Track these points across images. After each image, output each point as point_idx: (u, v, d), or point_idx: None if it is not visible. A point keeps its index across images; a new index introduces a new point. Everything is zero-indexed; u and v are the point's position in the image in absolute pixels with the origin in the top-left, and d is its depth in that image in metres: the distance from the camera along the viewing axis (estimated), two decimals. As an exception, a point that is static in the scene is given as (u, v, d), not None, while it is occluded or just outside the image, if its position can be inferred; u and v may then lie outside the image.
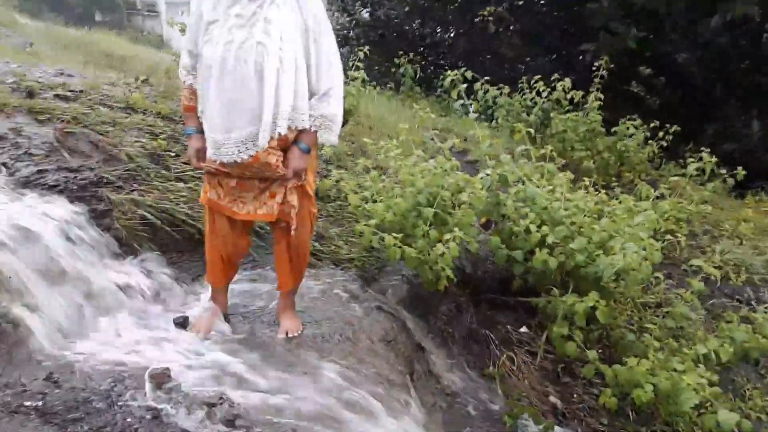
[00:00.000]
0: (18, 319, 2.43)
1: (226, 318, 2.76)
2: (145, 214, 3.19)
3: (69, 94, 4.16)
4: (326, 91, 2.28)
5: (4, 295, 2.47)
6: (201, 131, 2.40)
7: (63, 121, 3.60)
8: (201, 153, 2.42)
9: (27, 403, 2.08)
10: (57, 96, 4.07)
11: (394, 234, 2.94)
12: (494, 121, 6.37)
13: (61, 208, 2.94)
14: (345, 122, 5.38)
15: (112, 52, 11.00)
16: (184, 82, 2.40)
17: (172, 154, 3.72)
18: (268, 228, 3.21)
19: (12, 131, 3.38)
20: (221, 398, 2.24)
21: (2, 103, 3.63)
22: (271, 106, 2.16)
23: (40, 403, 2.09)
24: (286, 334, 2.65)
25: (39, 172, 3.14)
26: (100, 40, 12.81)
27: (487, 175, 3.38)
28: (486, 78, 5.66)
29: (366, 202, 3.36)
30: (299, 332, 2.68)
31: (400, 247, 2.92)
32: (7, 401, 2.07)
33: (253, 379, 2.42)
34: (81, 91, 4.26)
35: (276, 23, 2.14)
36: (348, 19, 12.11)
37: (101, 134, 3.62)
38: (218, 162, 2.31)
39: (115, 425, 2.07)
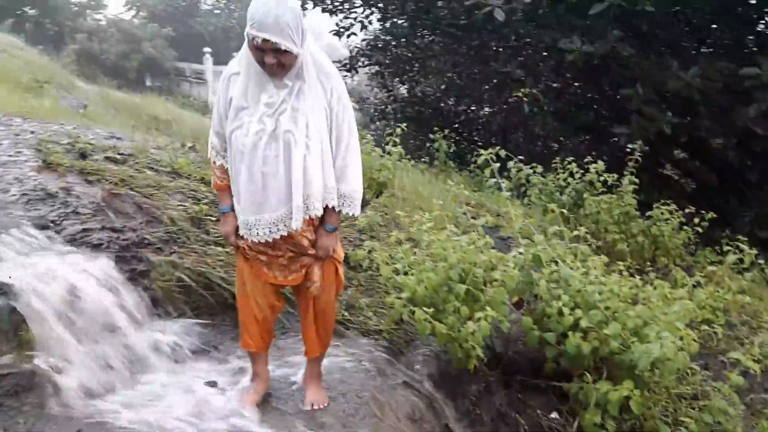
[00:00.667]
0: (51, 374, 2.48)
1: (268, 395, 2.72)
2: (182, 276, 3.26)
3: (118, 156, 4.35)
4: (343, 170, 2.35)
5: (41, 350, 2.53)
6: (233, 208, 2.46)
7: (111, 182, 3.76)
8: (237, 230, 2.47)
9: (55, 462, 2.09)
10: (107, 158, 4.26)
11: (424, 308, 2.93)
12: (526, 199, 6.40)
13: (102, 267, 3.03)
14: (379, 194, 5.49)
15: (159, 116, 11.52)
16: (214, 162, 2.49)
17: (213, 219, 3.82)
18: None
19: (62, 190, 3.53)
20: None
21: (56, 163, 3.82)
22: (300, 189, 2.23)
23: (67, 462, 2.10)
24: (312, 406, 2.62)
25: (84, 230, 3.26)
26: (149, 104, 13.46)
27: (520, 253, 3.38)
28: (519, 157, 5.74)
29: (397, 274, 3.38)
30: (325, 405, 2.65)
31: (430, 322, 2.91)
32: (35, 458, 2.08)
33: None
34: (130, 155, 4.45)
35: (302, 111, 2.22)
36: (386, 94, 12.51)
37: (146, 197, 3.75)
38: (250, 241, 2.38)
39: (139, 490, 2.06)
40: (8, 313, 2.51)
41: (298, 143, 2.21)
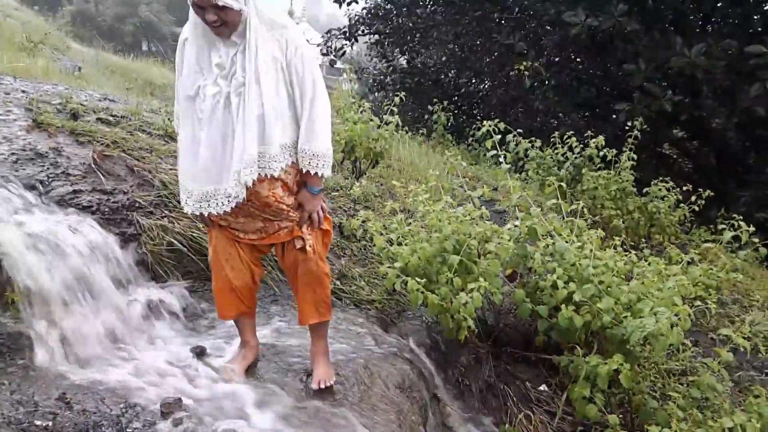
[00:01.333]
0: (37, 336, 2.46)
1: (256, 362, 2.71)
2: (173, 240, 3.22)
3: (111, 118, 4.27)
4: (310, 127, 2.25)
5: (26, 311, 2.50)
6: None
7: (102, 144, 3.69)
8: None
9: (38, 422, 2.07)
10: (99, 119, 4.18)
11: (417, 279, 2.91)
12: (524, 174, 6.36)
13: (91, 229, 2.99)
14: (375, 164, 5.44)
15: (154, 81, 11.37)
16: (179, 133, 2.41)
17: (204, 184, 3.77)
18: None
19: (52, 150, 3.47)
20: (231, 433, 2.22)
21: (47, 123, 3.74)
22: (255, 143, 2.17)
23: (50, 423, 2.08)
24: (319, 384, 2.56)
25: (74, 192, 3.20)
26: (144, 68, 13.28)
27: (516, 226, 3.34)
28: (518, 130, 5.68)
29: (391, 245, 3.35)
30: (332, 381, 2.59)
31: (422, 292, 2.89)
32: (18, 418, 2.07)
33: (264, 416, 2.39)
34: (122, 117, 4.37)
35: (254, 68, 2.14)
36: (386, 65, 12.36)
37: (138, 159, 3.69)
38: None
39: (123, 452, 2.05)
40: (-6, 272, 2.48)
41: (252, 100, 2.14)
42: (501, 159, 4.60)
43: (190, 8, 2.11)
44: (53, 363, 2.42)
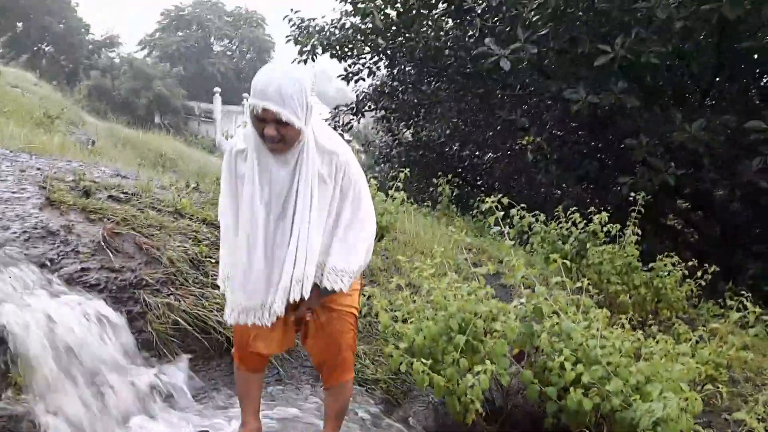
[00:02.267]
0: (42, 417, 2.43)
1: None
2: (178, 319, 3.23)
3: (122, 195, 4.36)
4: (354, 250, 2.26)
5: (30, 392, 2.48)
6: None
7: (112, 221, 3.76)
8: None
9: None
10: (110, 197, 4.27)
11: (422, 360, 2.88)
12: (529, 246, 6.37)
13: (98, 308, 3.00)
14: (381, 238, 5.48)
15: (166, 153, 11.64)
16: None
17: (212, 261, 3.80)
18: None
19: (63, 228, 3.53)
20: None
21: (60, 201, 3.83)
22: (302, 265, 2.15)
23: None
24: None
25: (82, 270, 3.24)
26: (157, 141, 13.62)
27: (522, 304, 3.34)
28: (522, 205, 5.74)
29: (396, 322, 3.34)
30: None
31: (428, 374, 2.86)
32: (16, 508, 2.02)
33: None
34: (133, 194, 4.46)
35: (306, 192, 2.13)
36: (391, 138, 12.64)
37: (147, 237, 3.74)
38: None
39: None
40: (0, 353, 2.48)
41: (301, 220, 2.13)
42: (505, 234, 4.64)
43: (248, 121, 2.08)
44: (54, 447, 2.39)
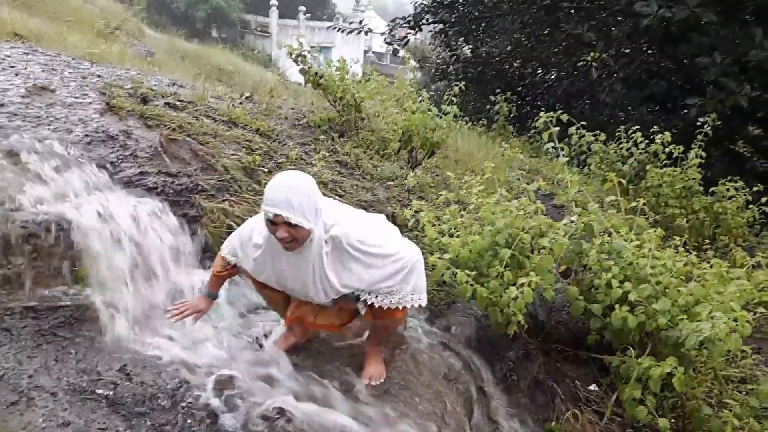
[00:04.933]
0: (103, 309, 2.60)
1: (306, 344, 2.82)
2: (232, 223, 3.33)
3: (178, 103, 4.44)
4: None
5: (94, 285, 2.65)
6: (214, 297, 2.71)
7: (169, 128, 3.84)
8: (200, 314, 2.66)
9: (99, 391, 2.20)
10: (167, 104, 4.36)
11: (467, 271, 2.90)
12: (586, 168, 6.20)
13: (156, 209, 3.13)
14: (432, 154, 5.43)
15: (222, 67, 11.68)
16: (224, 258, 2.62)
17: (265, 170, 3.87)
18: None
19: (122, 133, 3.64)
20: (279, 413, 2.29)
21: (119, 107, 3.93)
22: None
23: (111, 393, 2.21)
24: (369, 380, 2.63)
25: (141, 173, 3.36)
26: (213, 54, 13.65)
27: (572, 222, 3.28)
28: (582, 123, 5.53)
29: (443, 236, 3.35)
30: (382, 379, 2.65)
31: (472, 285, 2.88)
32: (82, 386, 2.21)
33: (311, 398, 2.46)
34: (189, 102, 4.53)
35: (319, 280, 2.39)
36: (449, 54, 12.24)
37: (202, 144, 3.83)
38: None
39: (176, 424, 2.16)
40: (65, 248, 2.64)
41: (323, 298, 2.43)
42: (560, 152, 4.51)
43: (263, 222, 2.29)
44: (116, 335, 2.56)
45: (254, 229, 2.48)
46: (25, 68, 4.48)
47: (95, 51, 6.21)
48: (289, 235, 2.20)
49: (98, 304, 2.59)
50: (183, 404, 2.26)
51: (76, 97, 4.05)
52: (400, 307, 2.44)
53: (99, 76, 4.79)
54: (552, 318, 3.44)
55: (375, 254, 2.36)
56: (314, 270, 2.34)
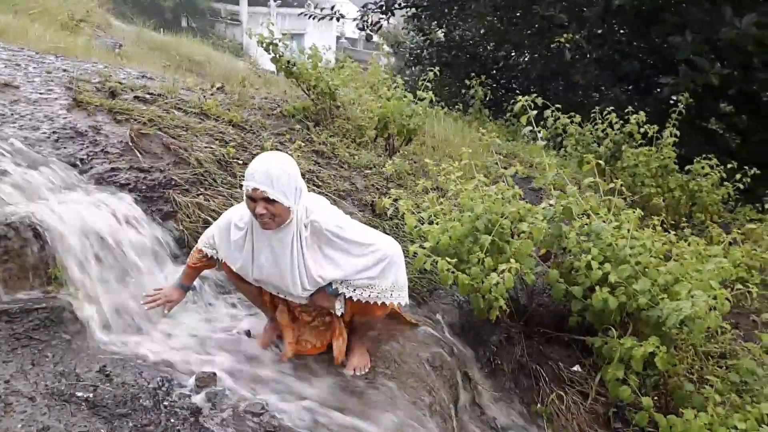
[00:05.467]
0: (79, 310, 2.54)
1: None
2: (208, 218, 3.27)
3: (148, 96, 4.34)
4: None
5: (68, 285, 2.58)
6: (186, 289, 2.69)
7: (139, 122, 3.75)
8: (172, 303, 2.64)
9: (79, 394, 2.15)
10: (137, 98, 4.26)
11: (447, 258, 2.90)
12: (563, 150, 6.22)
13: (128, 206, 3.06)
14: (409, 141, 5.40)
15: (193, 57, 11.48)
16: (200, 250, 2.61)
17: (240, 162, 3.81)
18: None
19: (91, 129, 3.54)
20: (263, 408, 2.26)
21: (86, 102, 3.83)
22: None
23: (91, 395, 2.16)
24: (354, 371, 2.61)
25: (112, 170, 3.28)
26: (183, 44, 13.40)
27: (551, 205, 3.29)
28: (557, 105, 5.54)
29: (422, 224, 3.34)
30: (366, 369, 2.64)
31: (453, 272, 2.88)
32: (61, 390, 2.15)
33: (296, 391, 2.44)
34: (159, 95, 4.43)
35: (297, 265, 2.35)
36: (423, 38, 12.18)
37: (174, 137, 3.75)
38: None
39: (159, 424, 2.11)
40: (38, 249, 2.57)
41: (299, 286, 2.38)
42: (538, 135, 4.51)
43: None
44: (94, 336, 2.51)
45: (234, 215, 2.46)
46: (-13, 64, 4.34)
47: (60, 44, 6.05)
48: (268, 212, 2.19)
49: (73, 305, 2.53)
50: (165, 403, 2.22)
51: (41, 93, 3.94)
52: (379, 303, 2.41)
53: (65, 70, 4.66)
54: (533, 301, 3.46)
55: (353, 241, 2.35)
56: (293, 254, 2.31)
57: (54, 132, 3.41)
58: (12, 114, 3.49)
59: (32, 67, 4.59)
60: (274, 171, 2.17)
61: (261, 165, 2.19)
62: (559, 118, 5.65)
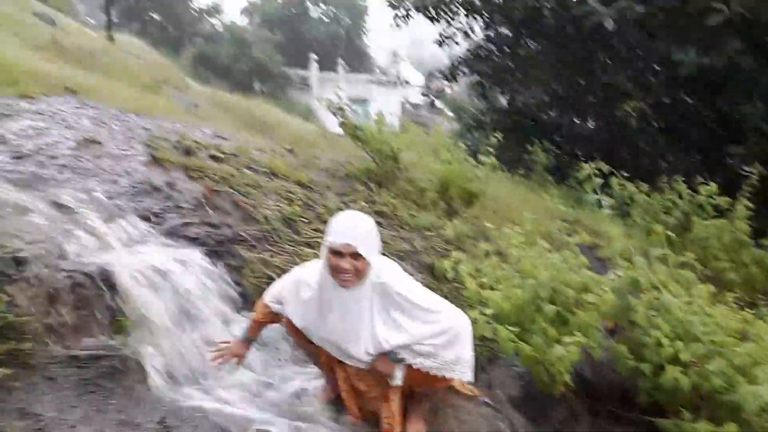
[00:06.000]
0: (143, 359, 2.60)
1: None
2: (272, 274, 3.33)
3: (221, 155, 4.54)
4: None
5: (136, 335, 2.66)
6: (251, 342, 2.69)
7: (212, 180, 3.92)
8: (238, 358, 2.65)
9: (139, 444, 2.18)
10: (210, 156, 4.46)
11: (509, 327, 2.82)
12: (629, 219, 6.06)
13: (198, 260, 3.16)
14: (470, 203, 5.39)
15: (263, 119, 12.00)
16: (266, 305, 2.63)
17: (305, 221, 3.90)
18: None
19: (167, 185, 3.72)
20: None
21: (165, 159, 4.04)
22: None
23: (150, 447, 2.18)
24: None
25: (184, 224, 3.42)
26: (255, 107, 14.05)
27: (618, 276, 3.18)
28: (623, 173, 5.44)
29: (483, 288, 3.28)
30: None
31: (515, 342, 2.80)
32: (122, 439, 2.19)
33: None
34: (232, 154, 4.63)
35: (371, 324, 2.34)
36: (485, 104, 12.33)
37: (243, 195, 3.89)
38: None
39: (214, 481, 2.10)
40: (109, 297, 2.67)
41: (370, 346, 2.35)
42: (603, 203, 4.42)
43: (323, 256, 2.28)
44: (156, 386, 2.55)
45: (303, 273, 2.48)
46: (76, 121, 4.66)
47: (143, 104, 6.45)
48: (353, 268, 2.19)
49: (139, 354, 2.60)
50: (221, 459, 2.22)
51: (122, 149, 4.18)
52: (440, 375, 2.35)
53: (145, 128, 4.95)
54: (599, 376, 3.31)
55: (420, 306, 2.32)
56: (362, 315, 2.30)
57: (132, 186, 3.59)
58: (95, 168, 3.71)
59: (115, 124, 4.90)
60: (364, 228, 2.21)
61: (351, 222, 2.22)
62: (625, 186, 5.53)
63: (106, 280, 2.69)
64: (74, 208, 3.11)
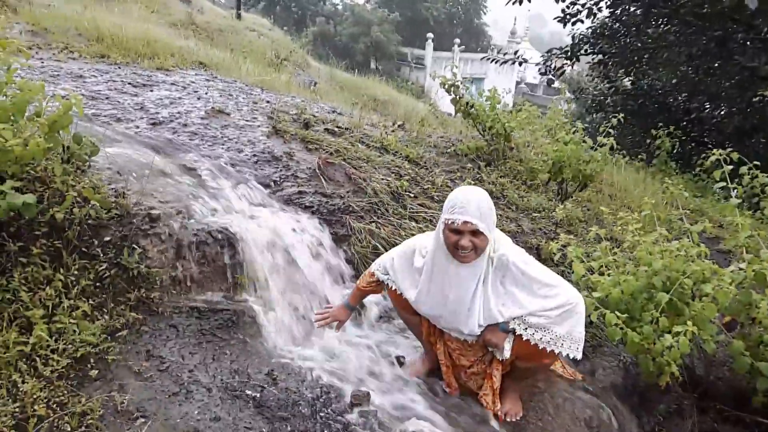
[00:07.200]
0: (257, 315, 2.79)
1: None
2: (377, 244, 3.44)
3: (336, 129, 4.70)
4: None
5: (251, 293, 2.86)
6: (352, 309, 2.81)
7: (327, 152, 4.08)
8: (339, 322, 2.78)
9: (248, 392, 2.35)
10: (327, 130, 4.63)
11: (617, 313, 2.74)
12: (759, 212, 5.59)
13: (310, 226, 3.32)
14: (583, 187, 5.23)
15: (378, 97, 12.18)
16: (373, 274, 2.71)
17: (411, 195, 3.96)
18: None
19: (286, 155, 3.92)
20: (412, 433, 2.30)
21: (284, 131, 4.25)
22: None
23: (258, 395, 2.35)
24: (505, 416, 2.58)
25: (299, 192, 3.59)
26: (370, 85, 14.30)
27: (741, 269, 2.98)
28: (756, 162, 5.02)
29: (591, 273, 3.19)
30: (518, 416, 2.59)
31: (622, 328, 2.71)
32: (233, 386, 2.37)
33: (441, 427, 2.44)
34: (346, 129, 4.78)
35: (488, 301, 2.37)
36: (608, 85, 11.75)
37: (355, 168, 4.01)
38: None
39: (313, 432, 2.24)
40: (230, 256, 2.88)
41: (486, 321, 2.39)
42: (731, 193, 4.13)
43: (439, 232, 2.31)
44: (267, 341, 2.73)
45: (416, 244, 2.53)
46: (206, 93, 5.00)
47: (266, 79, 6.78)
48: (472, 245, 2.21)
49: (254, 310, 2.79)
50: (322, 414, 2.35)
51: (247, 120, 4.44)
52: (548, 350, 2.33)
53: (268, 102, 5.21)
54: (711, 373, 3.13)
55: (537, 279, 2.31)
56: (476, 288, 2.32)
57: (254, 155, 3.82)
58: (222, 137, 3.98)
59: (242, 97, 5.20)
60: (484, 205, 2.20)
61: (471, 198, 2.21)
62: (756, 176, 5.11)
63: (228, 240, 2.90)
64: (202, 172, 3.36)
